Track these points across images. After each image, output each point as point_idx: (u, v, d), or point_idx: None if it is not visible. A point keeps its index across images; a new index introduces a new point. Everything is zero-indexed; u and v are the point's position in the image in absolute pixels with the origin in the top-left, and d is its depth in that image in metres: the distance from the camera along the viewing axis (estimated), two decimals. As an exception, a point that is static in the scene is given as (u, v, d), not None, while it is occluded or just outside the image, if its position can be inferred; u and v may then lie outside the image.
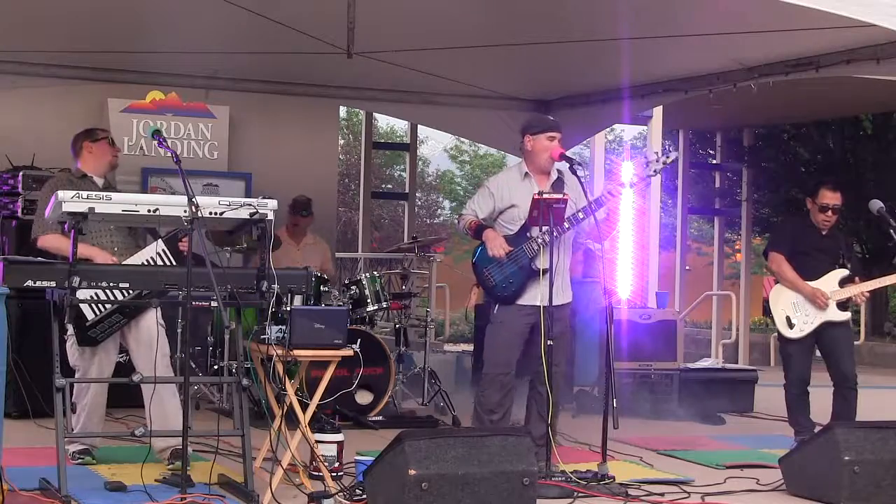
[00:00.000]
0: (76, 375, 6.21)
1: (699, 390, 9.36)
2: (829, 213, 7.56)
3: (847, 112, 15.94)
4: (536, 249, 6.52)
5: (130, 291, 5.87)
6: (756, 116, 15.30)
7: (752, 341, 15.81)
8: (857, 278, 7.56)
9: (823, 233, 7.63)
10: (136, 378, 5.75)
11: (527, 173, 6.69)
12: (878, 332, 17.66)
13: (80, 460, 6.26)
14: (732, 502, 6.00)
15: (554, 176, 6.69)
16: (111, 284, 5.64)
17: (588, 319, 9.32)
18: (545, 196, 6.40)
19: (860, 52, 7.26)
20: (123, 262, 6.10)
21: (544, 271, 6.44)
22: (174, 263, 6.05)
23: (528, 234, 6.59)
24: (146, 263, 6.07)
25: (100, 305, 6.00)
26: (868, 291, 7.59)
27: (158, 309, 6.20)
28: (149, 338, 6.18)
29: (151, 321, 6.22)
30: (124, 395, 7.67)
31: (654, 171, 6.65)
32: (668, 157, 6.64)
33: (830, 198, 7.56)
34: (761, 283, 19.10)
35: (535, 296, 6.51)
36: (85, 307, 5.97)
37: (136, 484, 5.48)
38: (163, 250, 6.12)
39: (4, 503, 5.08)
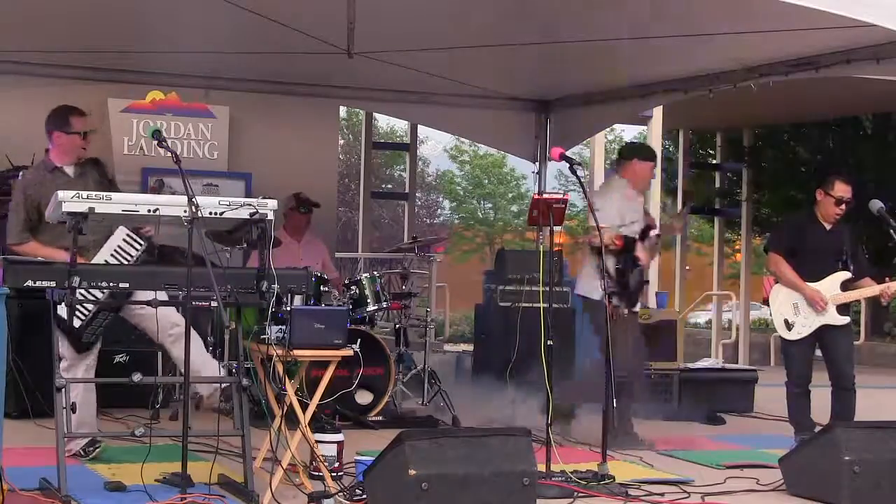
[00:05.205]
0: (63, 364, 6.13)
1: (699, 390, 9.35)
2: (844, 206, 7.50)
3: (847, 112, 15.95)
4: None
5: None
6: (756, 116, 15.31)
7: (752, 341, 15.82)
8: (863, 284, 7.50)
9: (828, 227, 7.57)
10: (135, 378, 5.74)
11: (632, 191, 7.55)
12: (878, 332, 17.66)
13: (94, 451, 6.32)
14: (732, 502, 6.00)
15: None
16: (94, 285, 5.63)
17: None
18: (545, 196, 6.43)
19: (860, 52, 7.27)
20: (97, 254, 6.16)
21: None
22: (142, 244, 6.15)
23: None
24: (115, 252, 6.13)
25: (84, 309, 6.00)
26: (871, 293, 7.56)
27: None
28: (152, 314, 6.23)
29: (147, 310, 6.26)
30: (124, 395, 7.70)
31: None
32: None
33: (844, 190, 7.49)
34: (761, 283, 19.09)
35: None
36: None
37: (136, 484, 5.47)
38: (128, 235, 6.19)
39: (4, 503, 5.07)
